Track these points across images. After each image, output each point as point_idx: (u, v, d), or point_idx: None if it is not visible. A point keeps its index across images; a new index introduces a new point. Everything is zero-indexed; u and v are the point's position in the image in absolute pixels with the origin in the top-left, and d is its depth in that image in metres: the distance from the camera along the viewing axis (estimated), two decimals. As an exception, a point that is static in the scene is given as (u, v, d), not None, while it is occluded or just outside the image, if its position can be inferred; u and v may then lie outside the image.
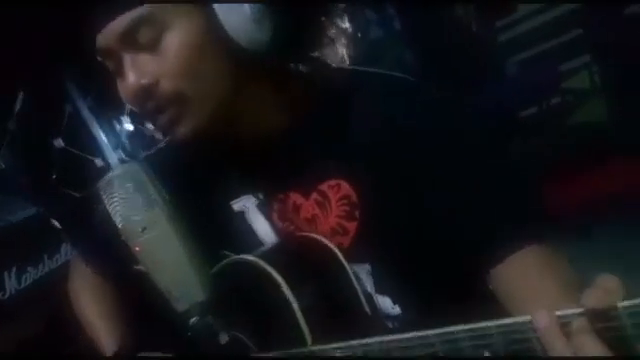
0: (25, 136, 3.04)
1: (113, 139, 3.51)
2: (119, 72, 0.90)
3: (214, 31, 0.86)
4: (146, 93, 0.87)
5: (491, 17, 4.13)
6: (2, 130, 2.98)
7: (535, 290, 0.82)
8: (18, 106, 3.01)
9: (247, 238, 1.03)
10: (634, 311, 0.53)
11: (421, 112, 0.93)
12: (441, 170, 0.90)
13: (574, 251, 0.93)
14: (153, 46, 0.86)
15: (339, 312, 0.92)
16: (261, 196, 1.04)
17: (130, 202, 0.84)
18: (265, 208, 1.04)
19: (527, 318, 0.61)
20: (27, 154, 3.01)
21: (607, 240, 2.42)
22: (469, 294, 0.93)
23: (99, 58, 0.92)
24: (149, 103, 0.88)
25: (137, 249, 0.85)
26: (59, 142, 3.17)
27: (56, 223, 2.26)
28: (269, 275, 0.90)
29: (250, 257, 0.94)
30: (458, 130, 0.93)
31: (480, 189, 0.89)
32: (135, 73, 0.87)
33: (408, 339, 0.72)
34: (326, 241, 0.96)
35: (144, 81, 0.87)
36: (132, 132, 3.67)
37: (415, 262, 0.93)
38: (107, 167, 3.37)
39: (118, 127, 3.61)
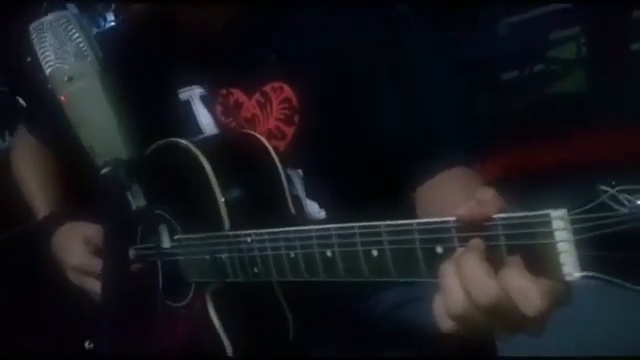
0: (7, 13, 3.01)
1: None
2: None
3: None
4: None
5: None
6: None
7: (454, 206, 0.86)
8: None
9: (190, 127, 1.06)
10: (508, 223, 0.55)
11: (372, 24, 0.96)
12: (381, 82, 0.94)
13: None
14: None
15: (262, 207, 0.95)
16: (207, 88, 1.06)
17: (60, 49, 0.82)
18: (209, 101, 1.06)
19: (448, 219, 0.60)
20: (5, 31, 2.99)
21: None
22: (393, 205, 0.97)
23: None
24: None
25: (62, 99, 0.84)
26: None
27: (22, 101, 2.26)
28: (197, 161, 0.92)
29: (183, 141, 0.96)
30: (406, 47, 0.96)
31: (419, 105, 0.94)
32: None
33: (319, 230, 0.74)
34: (264, 141, 0.98)
35: None
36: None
37: (345, 171, 0.97)
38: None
39: (102, 23, 3.58)
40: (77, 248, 1.09)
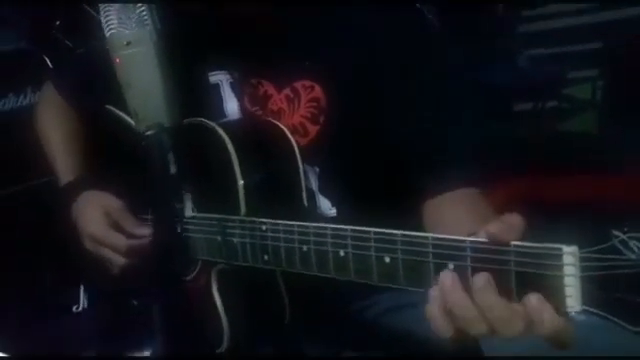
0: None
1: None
2: None
3: None
4: None
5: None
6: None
7: (461, 225, 0.87)
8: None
9: (214, 110, 1.10)
10: (522, 251, 0.59)
11: (405, 39, 1.00)
12: (406, 97, 0.98)
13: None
14: None
15: (278, 197, 0.99)
16: (236, 75, 1.09)
17: (124, 16, 0.87)
18: (237, 87, 1.09)
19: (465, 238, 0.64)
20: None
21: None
22: (401, 212, 0.98)
23: None
24: None
25: (117, 60, 0.88)
26: (70, -10, 3.19)
27: (48, 61, 2.29)
28: (222, 143, 0.96)
29: (210, 123, 0.99)
30: (435, 68, 1.00)
31: (442, 122, 0.97)
32: None
33: (333, 229, 0.78)
34: (289, 134, 1.02)
35: None
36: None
37: (361, 174, 1.01)
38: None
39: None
40: (97, 218, 1.13)
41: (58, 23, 3.11)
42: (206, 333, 1.03)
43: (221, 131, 0.98)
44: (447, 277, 0.63)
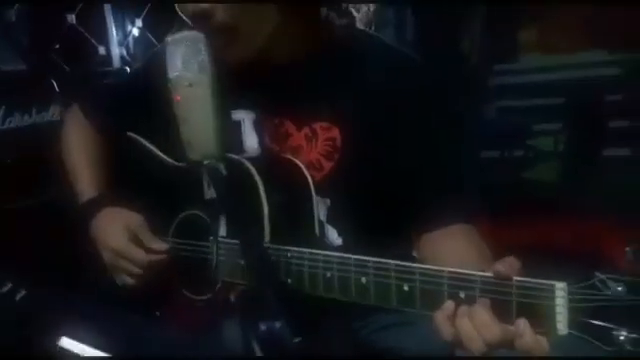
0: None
1: (121, 35, 3.65)
2: None
3: None
4: (204, 14, 1.04)
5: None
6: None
7: (456, 259, 0.97)
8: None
9: (233, 145, 1.20)
10: (523, 285, 0.74)
11: (413, 92, 1.13)
12: (410, 143, 1.11)
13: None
14: None
15: (296, 225, 1.11)
16: (259, 114, 1.21)
17: (188, 60, 1.00)
18: (259, 125, 1.21)
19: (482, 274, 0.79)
20: (40, 16, 3.14)
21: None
22: (401, 244, 1.13)
23: None
24: (203, 23, 1.04)
25: (178, 98, 1.01)
26: (72, 17, 3.31)
27: (55, 84, 2.39)
28: (251, 175, 1.09)
29: (236, 156, 1.12)
30: (438, 119, 1.14)
31: (435, 170, 1.10)
32: None
33: (356, 260, 0.92)
34: (304, 169, 1.14)
35: (205, 5, 1.03)
36: (139, 36, 3.80)
37: (368, 208, 1.12)
38: (108, 58, 3.52)
39: (129, 27, 3.75)
40: (118, 232, 1.23)
41: (57, 47, 3.24)
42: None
43: (249, 164, 1.10)
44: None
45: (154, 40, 3.94)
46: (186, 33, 1.03)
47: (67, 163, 1.43)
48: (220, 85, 1.02)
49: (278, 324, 0.84)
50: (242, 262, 1.09)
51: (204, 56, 1.01)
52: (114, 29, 3.61)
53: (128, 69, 1.35)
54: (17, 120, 2.28)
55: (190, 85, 1.01)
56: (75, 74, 2.98)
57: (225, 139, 1.02)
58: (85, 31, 3.41)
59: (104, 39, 3.57)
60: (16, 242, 1.92)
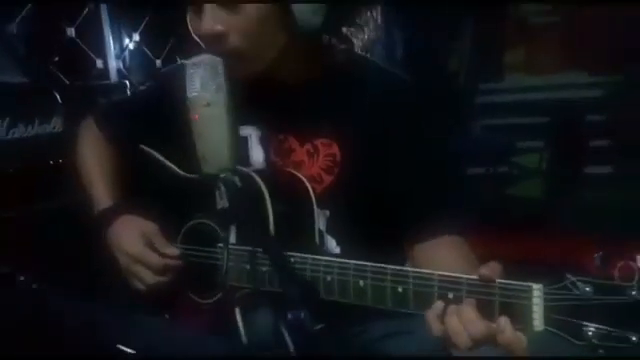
0: (44, 13, 3.24)
1: (118, 49, 3.74)
2: (198, 11, 1.14)
3: (282, 9, 1.12)
4: (216, 37, 1.13)
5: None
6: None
7: (445, 267, 1.03)
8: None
9: (241, 159, 1.26)
10: (505, 287, 0.85)
11: (406, 112, 1.23)
12: (404, 161, 1.21)
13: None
14: (235, 5, 1.11)
15: (298, 234, 1.19)
16: (265, 131, 1.30)
17: (207, 82, 1.10)
18: (265, 141, 1.30)
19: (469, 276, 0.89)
20: (41, 30, 3.22)
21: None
22: (394, 253, 1.21)
23: None
24: (215, 45, 1.14)
25: (196, 117, 1.12)
26: (71, 31, 3.40)
27: (58, 96, 2.47)
28: (259, 187, 1.17)
29: (245, 169, 1.20)
30: (428, 137, 1.24)
31: (427, 185, 1.20)
32: (214, 20, 1.12)
33: (356, 265, 1.02)
34: (307, 182, 1.23)
35: (219, 28, 1.12)
36: (134, 50, 3.90)
37: (364, 219, 1.21)
38: (105, 71, 3.61)
39: (126, 41, 3.85)
40: (133, 238, 1.31)
41: (57, 59, 3.32)
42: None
43: (257, 177, 1.18)
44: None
45: (150, 54, 4.05)
46: (205, 57, 1.13)
47: (82, 173, 1.50)
48: (233, 104, 1.11)
49: (303, 314, 0.93)
50: (248, 267, 1.17)
51: (221, 78, 1.11)
52: (112, 43, 3.70)
53: (143, 86, 1.43)
54: (20, 131, 2.37)
55: (208, 105, 1.11)
56: (76, 87, 3.06)
57: (237, 154, 1.12)
58: (84, 44, 3.51)
59: (102, 52, 3.66)
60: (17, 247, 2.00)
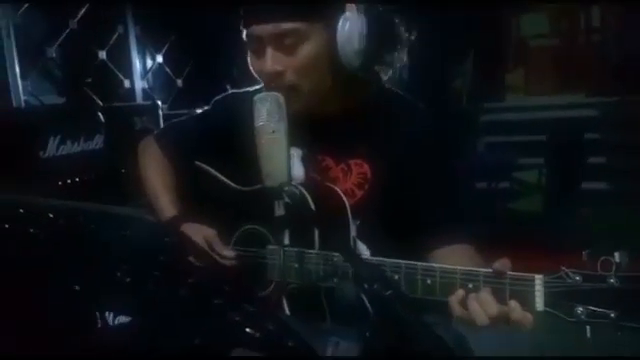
0: (79, 38, 3.49)
1: (143, 70, 4.00)
2: (260, 53, 1.38)
3: (331, 51, 1.37)
4: (275, 75, 1.37)
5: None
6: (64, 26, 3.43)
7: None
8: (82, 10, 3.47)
9: None
10: (513, 277, 1.07)
11: (423, 136, 1.46)
12: (423, 178, 1.43)
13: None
14: (292, 48, 1.35)
15: (333, 239, 1.40)
16: (306, 151, 1.51)
17: (271, 114, 1.34)
18: (306, 160, 1.51)
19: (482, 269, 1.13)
20: (76, 53, 3.47)
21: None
22: (416, 257, 1.35)
23: (245, 37, 1.40)
24: (274, 81, 1.38)
25: (263, 142, 1.35)
26: (102, 54, 3.65)
27: (101, 116, 2.71)
28: (306, 199, 1.39)
29: (293, 184, 1.41)
30: (443, 158, 1.47)
31: (443, 200, 1.42)
32: (274, 61, 1.36)
33: (390, 263, 1.24)
34: (343, 196, 1.44)
35: (278, 68, 1.37)
36: (157, 70, 4.14)
37: (390, 227, 1.42)
38: (132, 90, 3.86)
39: (150, 63, 4.10)
40: (197, 242, 1.54)
41: (89, 80, 3.57)
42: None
43: (303, 190, 1.40)
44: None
45: (171, 74, 4.30)
46: (270, 93, 1.36)
47: (146, 185, 1.73)
48: (290, 130, 1.35)
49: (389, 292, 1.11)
50: (296, 265, 1.40)
51: (283, 110, 1.34)
52: (138, 64, 3.95)
53: (199, 110, 1.68)
54: (68, 148, 2.61)
55: (273, 132, 1.34)
56: (114, 108, 3.28)
57: (290, 171, 1.35)
58: (114, 66, 3.76)
59: (128, 73, 3.91)
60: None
